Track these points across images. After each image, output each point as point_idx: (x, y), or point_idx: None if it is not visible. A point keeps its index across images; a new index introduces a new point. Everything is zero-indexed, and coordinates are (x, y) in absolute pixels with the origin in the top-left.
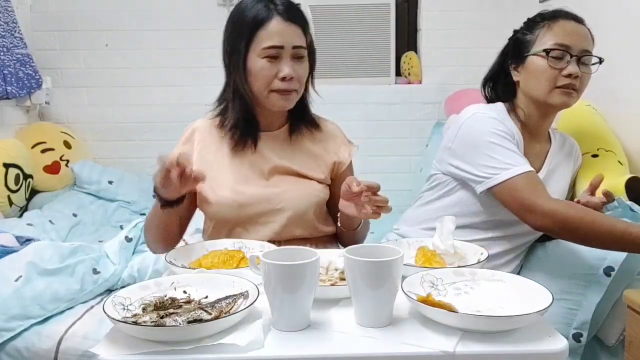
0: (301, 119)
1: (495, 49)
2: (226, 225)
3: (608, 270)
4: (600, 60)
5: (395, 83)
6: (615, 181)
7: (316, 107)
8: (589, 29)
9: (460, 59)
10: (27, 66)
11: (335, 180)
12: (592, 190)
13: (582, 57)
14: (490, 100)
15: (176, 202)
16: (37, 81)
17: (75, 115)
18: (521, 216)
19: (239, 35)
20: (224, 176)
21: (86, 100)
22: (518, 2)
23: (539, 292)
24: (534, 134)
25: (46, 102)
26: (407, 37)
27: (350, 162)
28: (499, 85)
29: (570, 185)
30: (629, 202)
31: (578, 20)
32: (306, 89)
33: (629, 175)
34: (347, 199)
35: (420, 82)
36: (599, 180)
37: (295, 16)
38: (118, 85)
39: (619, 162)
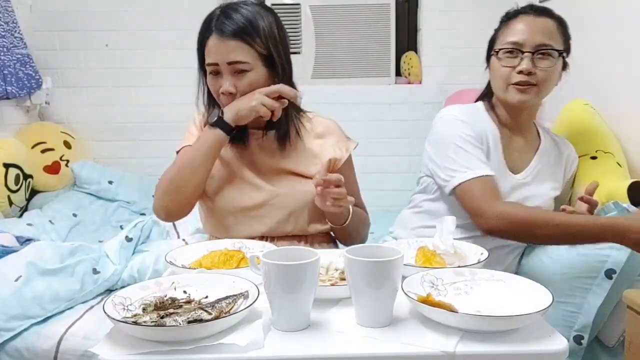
0: (285, 124)
1: None
2: (217, 216)
3: (610, 273)
4: (560, 53)
5: (395, 83)
6: (617, 185)
7: (316, 107)
8: (559, 21)
9: (460, 59)
10: (27, 66)
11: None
12: (587, 198)
13: (538, 51)
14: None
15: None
16: (37, 81)
17: (75, 115)
18: (473, 220)
19: (198, 50)
20: (220, 173)
21: (86, 100)
22: (518, 2)
23: (539, 292)
24: (514, 129)
25: (46, 102)
26: (407, 37)
27: (350, 157)
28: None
29: (565, 192)
30: (625, 205)
31: (540, 13)
32: None
33: (631, 180)
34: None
35: (420, 82)
36: (593, 188)
37: (233, 31)
38: (118, 85)
39: (617, 163)
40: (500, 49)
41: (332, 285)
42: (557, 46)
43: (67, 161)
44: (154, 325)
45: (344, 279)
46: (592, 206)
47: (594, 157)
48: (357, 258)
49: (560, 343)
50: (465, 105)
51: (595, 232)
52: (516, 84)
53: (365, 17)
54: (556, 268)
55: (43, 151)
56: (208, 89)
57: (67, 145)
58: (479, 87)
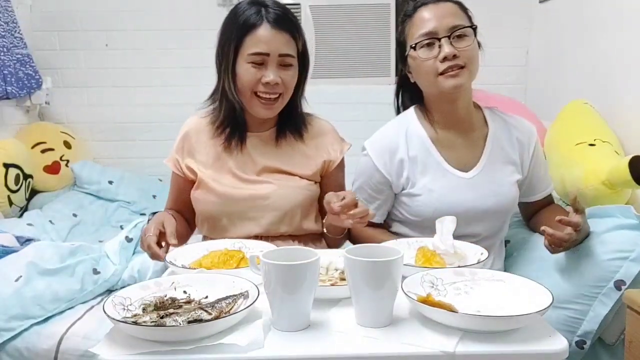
0: (288, 124)
1: (495, 49)
2: (212, 218)
3: (619, 284)
4: (473, 28)
5: (395, 83)
6: (618, 161)
7: (316, 107)
8: (457, 2)
9: None
10: (27, 66)
11: (325, 177)
12: (566, 220)
13: (454, 34)
14: (403, 109)
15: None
16: (37, 81)
17: (75, 115)
18: None
19: (229, 39)
20: (213, 174)
21: (86, 100)
22: (518, 2)
23: (539, 292)
24: (454, 126)
25: (46, 102)
26: None
27: (342, 159)
28: (408, 92)
29: (538, 172)
30: (634, 212)
31: (438, 0)
32: (296, 95)
33: (632, 155)
34: (331, 213)
35: None
36: (573, 197)
37: (285, 23)
38: (118, 85)
39: (615, 152)
40: (415, 44)
41: (332, 285)
42: (468, 24)
43: (67, 161)
44: (154, 325)
45: (344, 279)
46: (574, 227)
47: (592, 144)
48: (357, 258)
49: (560, 343)
50: (391, 123)
51: None
52: (444, 72)
53: (365, 17)
54: (565, 274)
55: (43, 151)
56: (222, 86)
57: (67, 145)
58: (479, 87)
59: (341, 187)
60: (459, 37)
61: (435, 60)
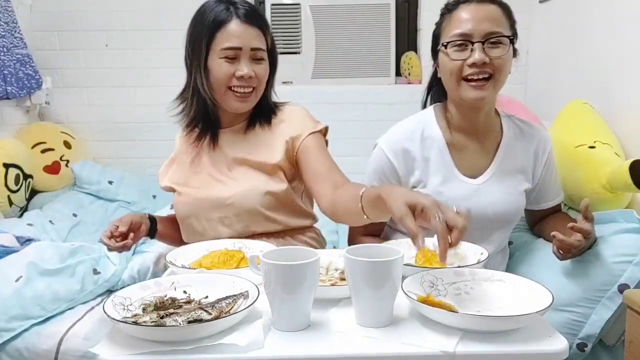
0: (259, 116)
1: None
2: (184, 221)
3: (623, 288)
4: (511, 40)
5: (395, 83)
6: (619, 165)
7: (316, 107)
8: (502, 5)
9: None
10: (27, 66)
11: (298, 157)
12: (578, 227)
13: (489, 40)
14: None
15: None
16: (37, 81)
17: (75, 115)
18: None
19: (200, 36)
20: (187, 177)
21: (86, 100)
22: (518, 2)
23: (539, 292)
24: (470, 132)
25: (46, 102)
26: (407, 37)
27: (317, 138)
28: (437, 88)
29: (538, 184)
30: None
31: (482, 0)
32: (267, 89)
33: (633, 159)
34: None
35: (420, 82)
36: (585, 206)
37: (255, 19)
38: (118, 85)
39: (615, 154)
40: (448, 42)
41: (332, 285)
42: (506, 32)
43: (67, 161)
44: (154, 325)
45: (344, 279)
46: (584, 234)
47: (592, 147)
48: (357, 258)
49: (560, 343)
50: (409, 120)
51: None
52: (470, 79)
53: (365, 17)
54: (569, 277)
55: (43, 151)
56: (193, 83)
57: (67, 145)
58: None
59: (321, 164)
60: (494, 44)
61: (463, 63)
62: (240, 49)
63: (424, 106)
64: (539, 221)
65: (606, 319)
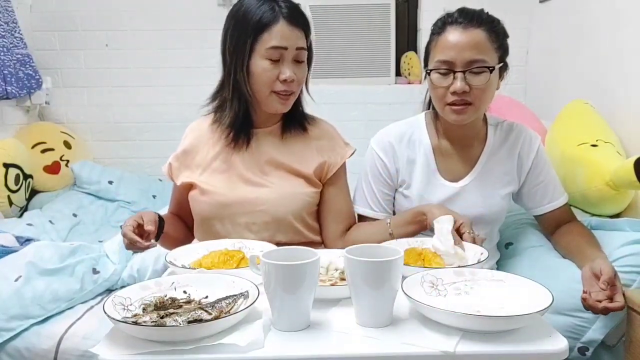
0: (294, 119)
1: None
2: (205, 221)
3: None
4: (490, 70)
5: (395, 83)
6: (623, 162)
7: (316, 107)
8: (490, 27)
9: None
10: (27, 66)
11: (327, 184)
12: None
13: (470, 70)
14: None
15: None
16: (37, 81)
17: (75, 115)
18: None
19: (243, 35)
20: (211, 175)
21: (86, 100)
22: (518, 2)
23: (539, 292)
24: (455, 138)
25: (46, 102)
26: (407, 37)
27: (344, 164)
28: None
29: (526, 184)
30: None
31: (468, 23)
32: (301, 90)
33: (637, 156)
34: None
35: (420, 82)
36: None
37: (299, 19)
38: (118, 85)
39: (617, 152)
40: (431, 70)
41: (332, 285)
42: (489, 60)
43: (67, 161)
44: (154, 325)
45: (344, 279)
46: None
47: (594, 145)
48: (357, 258)
49: (560, 343)
50: (401, 123)
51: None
52: (452, 104)
53: (365, 17)
54: (574, 282)
55: (43, 151)
56: (234, 82)
57: (67, 145)
58: None
59: (342, 191)
60: (475, 72)
61: (446, 90)
62: (285, 48)
63: (428, 107)
64: (554, 229)
65: (611, 326)
